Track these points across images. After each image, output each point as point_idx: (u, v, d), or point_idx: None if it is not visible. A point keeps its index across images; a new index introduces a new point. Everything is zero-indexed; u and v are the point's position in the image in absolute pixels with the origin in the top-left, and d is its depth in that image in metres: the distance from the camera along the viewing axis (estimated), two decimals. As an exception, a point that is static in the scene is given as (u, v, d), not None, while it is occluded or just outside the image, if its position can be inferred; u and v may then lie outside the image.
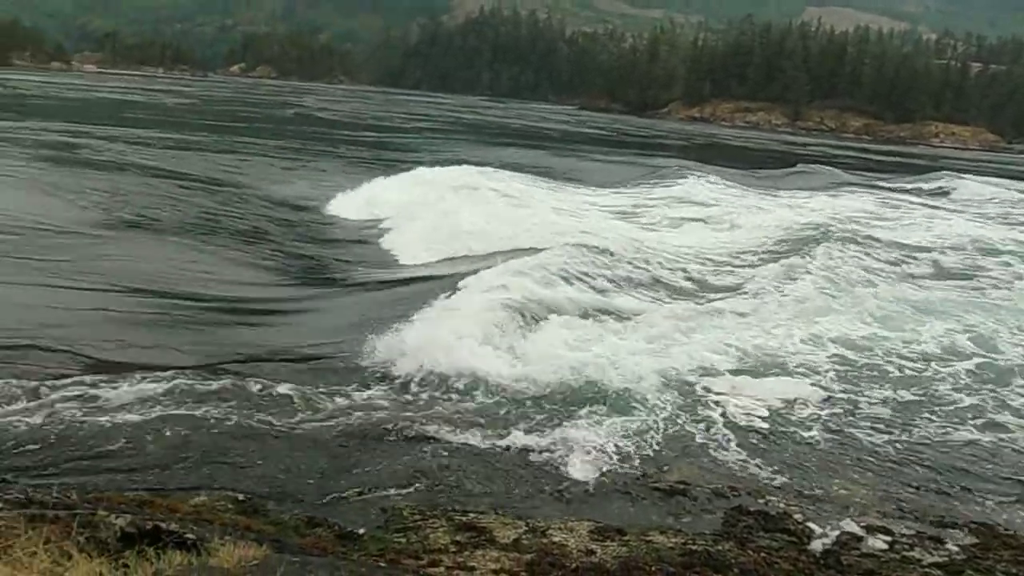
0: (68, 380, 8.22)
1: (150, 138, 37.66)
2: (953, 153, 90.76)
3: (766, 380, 9.96)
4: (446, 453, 7.56)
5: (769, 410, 9.09)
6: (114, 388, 8.11)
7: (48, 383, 8.10)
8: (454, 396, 8.88)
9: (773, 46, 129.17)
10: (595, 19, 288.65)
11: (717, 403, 9.17)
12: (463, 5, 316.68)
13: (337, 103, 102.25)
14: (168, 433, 7.34)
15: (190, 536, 4.01)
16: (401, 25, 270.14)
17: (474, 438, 7.88)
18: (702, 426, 8.56)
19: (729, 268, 16.75)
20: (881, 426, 8.88)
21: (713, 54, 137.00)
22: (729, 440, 8.27)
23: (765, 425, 8.72)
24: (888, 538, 6.33)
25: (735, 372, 10.12)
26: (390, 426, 7.98)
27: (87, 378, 8.33)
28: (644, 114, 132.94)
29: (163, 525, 4.09)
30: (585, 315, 11.84)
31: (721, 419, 8.76)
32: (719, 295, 14.26)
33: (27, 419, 7.27)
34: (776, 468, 7.71)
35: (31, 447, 6.85)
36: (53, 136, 34.64)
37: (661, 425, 8.46)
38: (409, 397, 8.81)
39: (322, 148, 40.67)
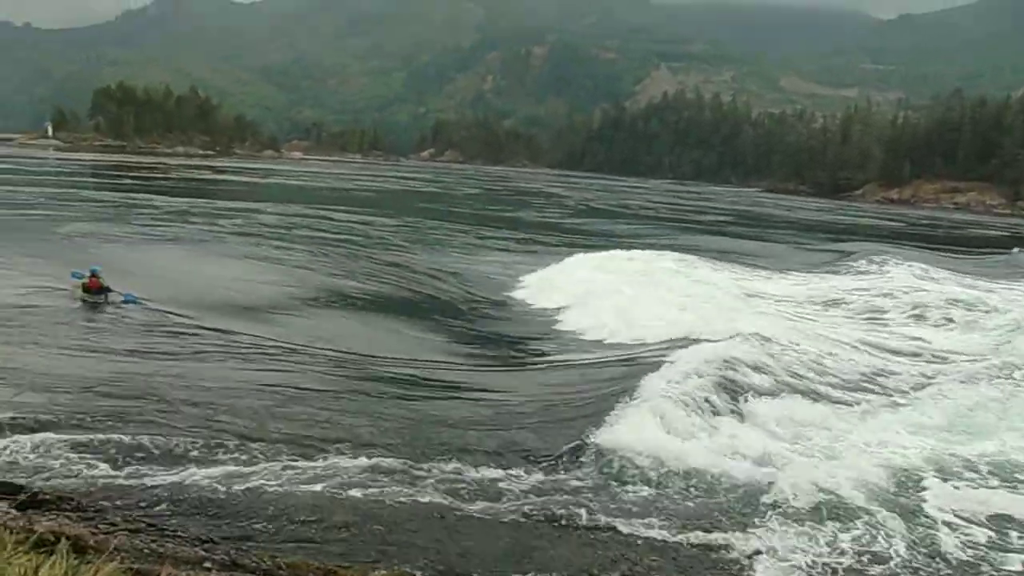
0: (264, 449, 8.78)
1: (346, 219, 41.00)
2: None
3: (984, 489, 8.79)
4: (628, 545, 7.19)
5: (985, 523, 7.97)
6: (305, 460, 8.53)
7: (246, 450, 8.69)
8: (640, 485, 8.52)
9: (988, 121, 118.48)
10: (782, 100, 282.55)
11: (934, 517, 8.14)
12: (647, 90, 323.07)
13: (521, 183, 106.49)
14: (353, 506, 7.55)
15: (374, 613, 4.04)
16: (585, 110, 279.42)
17: (659, 531, 7.46)
18: (917, 541, 7.60)
19: (939, 369, 15.15)
20: None
21: (915, 132, 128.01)
22: (948, 561, 7.28)
23: (979, 539, 7.62)
24: None
25: (956, 486, 8.98)
26: (572, 513, 7.74)
27: (281, 447, 8.86)
28: (835, 196, 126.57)
29: (350, 599, 4.15)
30: (780, 409, 11.10)
31: (945, 536, 7.74)
32: (922, 399, 12.87)
33: (228, 485, 7.77)
34: None
35: (231, 511, 7.29)
36: (263, 216, 38.76)
37: (866, 536, 7.60)
38: (595, 484, 8.55)
39: (506, 230, 42.22)
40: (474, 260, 27.94)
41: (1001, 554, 7.45)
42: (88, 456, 8.15)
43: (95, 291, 15.56)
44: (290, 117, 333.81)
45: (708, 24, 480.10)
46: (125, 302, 15.64)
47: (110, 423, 9.12)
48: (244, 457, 8.56)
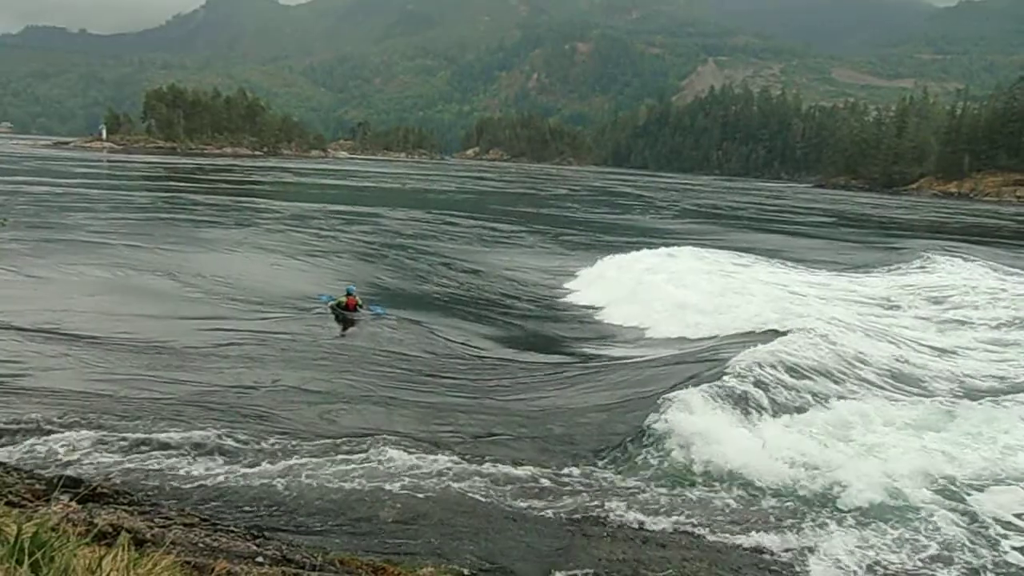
0: (314, 444, 8.92)
1: (391, 216, 41.43)
2: None
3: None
4: (678, 544, 7.10)
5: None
6: (355, 455, 8.63)
7: (296, 446, 8.83)
8: (691, 486, 8.40)
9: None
10: (834, 93, 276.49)
11: (998, 519, 7.85)
12: (692, 85, 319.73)
13: (567, 183, 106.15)
14: (401, 501, 7.61)
15: (423, 610, 4.04)
16: (631, 107, 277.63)
17: (707, 531, 7.35)
18: (977, 543, 7.34)
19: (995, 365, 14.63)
20: None
21: (975, 123, 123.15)
22: (1006, 560, 7.04)
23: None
24: None
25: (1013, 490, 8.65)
26: (619, 512, 7.67)
27: (328, 442, 8.99)
28: (889, 191, 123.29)
29: (400, 596, 4.16)
30: (837, 408, 10.83)
31: (1001, 538, 7.47)
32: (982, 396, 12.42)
33: (280, 479, 7.91)
34: None
35: (282, 506, 7.42)
36: (312, 215, 39.37)
37: (923, 539, 7.37)
38: (644, 483, 8.46)
39: (553, 228, 42.09)
40: (523, 258, 27.94)
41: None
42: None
43: (351, 309, 16.13)
44: (336, 117, 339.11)
45: (755, 16, 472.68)
46: (376, 316, 16.25)
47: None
48: (293, 451, 8.69)
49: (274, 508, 7.36)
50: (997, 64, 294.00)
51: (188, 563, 3.33)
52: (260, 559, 4.28)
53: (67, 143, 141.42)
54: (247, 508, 7.29)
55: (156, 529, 3.98)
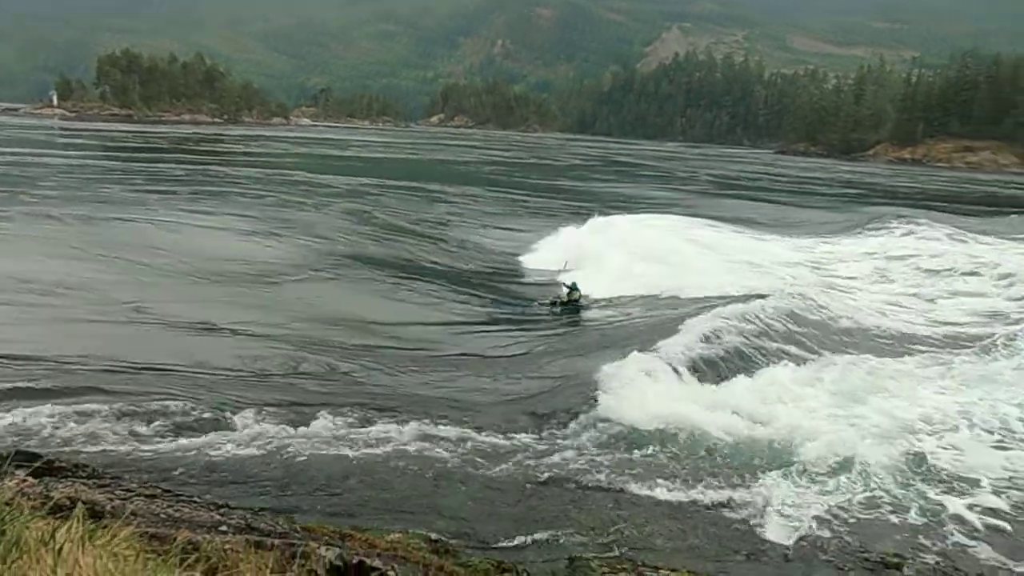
0: (274, 414, 8.86)
1: (353, 184, 40.75)
2: None
3: (1006, 450, 8.80)
4: (636, 504, 7.30)
5: (1007, 483, 7.98)
6: (317, 423, 8.61)
7: (256, 416, 8.76)
8: (650, 444, 8.61)
9: (1003, 79, 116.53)
10: (794, 61, 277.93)
11: (943, 470, 8.20)
12: (656, 52, 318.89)
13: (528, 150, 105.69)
14: (367, 469, 7.65)
15: (392, 574, 4.07)
16: (596, 74, 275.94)
17: (666, 490, 7.57)
18: (923, 495, 7.66)
19: (963, 329, 15.07)
20: None
21: (929, 91, 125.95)
22: (954, 513, 7.36)
23: (999, 500, 7.67)
24: None
25: (957, 439, 9.05)
26: (583, 473, 7.84)
27: (291, 413, 8.93)
28: (847, 157, 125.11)
29: (367, 561, 4.18)
30: (796, 369, 11.08)
31: (946, 489, 7.80)
32: (953, 356, 12.82)
33: (240, 450, 7.88)
34: (1012, 550, 6.77)
35: (246, 474, 7.42)
36: (271, 183, 38.58)
37: (873, 490, 7.69)
38: (603, 443, 8.64)
39: (514, 194, 41.91)
40: (485, 226, 27.80)
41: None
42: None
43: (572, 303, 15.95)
44: (297, 84, 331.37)
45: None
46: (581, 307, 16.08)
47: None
48: (253, 421, 8.64)
49: (240, 480, 7.33)
50: (950, 34, 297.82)
51: (148, 534, 3.30)
52: (224, 528, 4.25)
53: (15, 109, 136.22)
54: (213, 480, 7.25)
55: (116, 501, 3.92)
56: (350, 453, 7.93)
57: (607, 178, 61.32)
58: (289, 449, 7.95)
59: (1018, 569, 6.50)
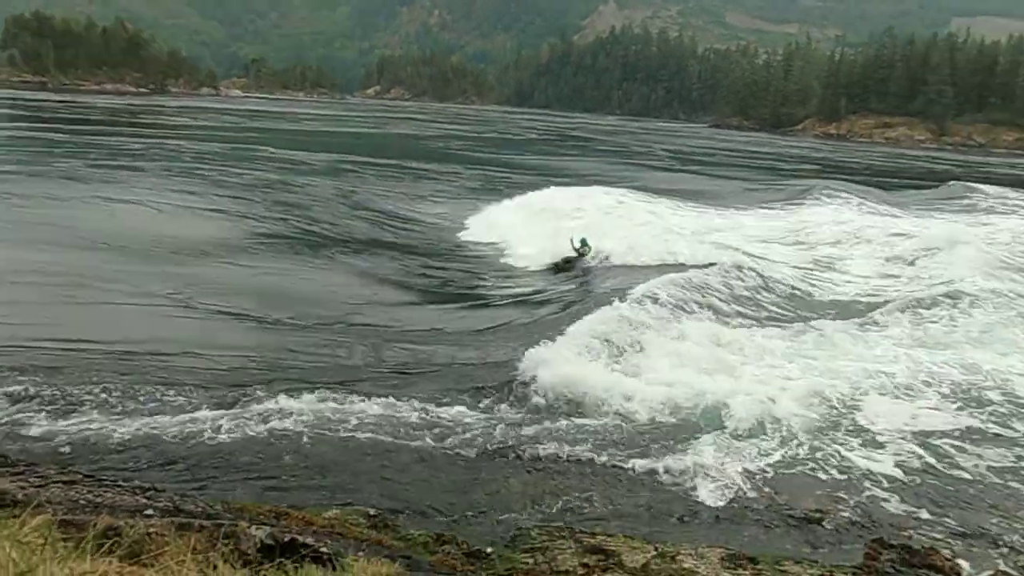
0: (208, 394, 8.62)
1: (283, 157, 39.57)
2: None
3: (913, 407, 9.29)
4: (574, 472, 7.44)
5: (913, 439, 8.43)
6: (252, 402, 8.42)
7: (189, 397, 8.51)
8: (583, 415, 8.75)
9: (917, 59, 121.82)
10: (727, 36, 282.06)
11: (858, 429, 8.60)
12: (594, 25, 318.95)
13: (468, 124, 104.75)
14: (303, 448, 7.53)
15: (325, 550, 4.01)
16: (533, 46, 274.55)
17: (602, 458, 7.72)
18: (840, 453, 8.03)
19: (885, 292, 15.69)
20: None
21: (851, 69, 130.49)
22: (868, 468, 7.74)
23: (909, 455, 8.09)
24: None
25: (879, 398, 9.51)
26: (519, 445, 7.91)
27: (227, 392, 8.70)
28: (777, 131, 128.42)
29: (300, 538, 4.10)
30: (721, 337, 11.38)
31: (861, 446, 8.20)
32: (877, 318, 13.35)
33: (172, 431, 7.64)
34: (921, 500, 7.17)
35: (177, 457, 7.20)
36: (190, 157, 37.11)
37: (795, 450, 8.04)
38: (539, 415, 8.72)
39: (449, 168, 41.51)
40: (420, 201, 27.47)
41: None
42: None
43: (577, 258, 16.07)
44: (229, 53, 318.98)
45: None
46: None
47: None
48: (187, 401, 8.39)
49: (170, 461, 7.12)
50: (870, 13, 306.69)
51: (65, 521, 3.16)
52: (149, 511, 4.12)
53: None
54: (141, 464, 7.02)
55: (30, 489, 3.74)
56: (287, 431, 7.79)
57: (569, 153, 61.49)
58: (222, 429, 7.75)
59: (924, 516, 6.87)
